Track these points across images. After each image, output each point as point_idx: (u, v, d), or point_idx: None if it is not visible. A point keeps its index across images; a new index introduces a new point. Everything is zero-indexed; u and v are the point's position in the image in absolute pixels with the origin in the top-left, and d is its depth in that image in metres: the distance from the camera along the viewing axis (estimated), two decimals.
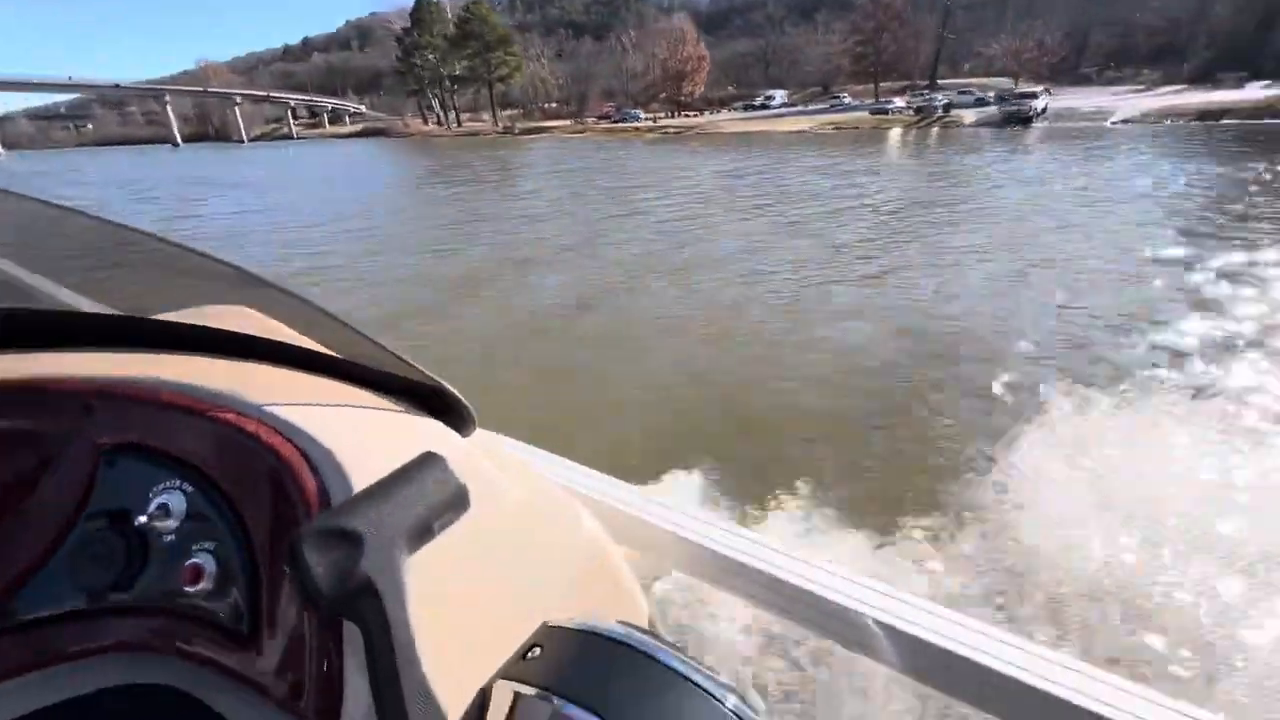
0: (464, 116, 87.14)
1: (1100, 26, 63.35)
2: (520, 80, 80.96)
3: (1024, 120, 35.60)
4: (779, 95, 72.61)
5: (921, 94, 56.13)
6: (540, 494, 0.66)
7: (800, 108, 68.59)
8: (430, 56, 76.48)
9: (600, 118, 76.04)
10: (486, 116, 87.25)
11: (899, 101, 48.51)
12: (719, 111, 74.27)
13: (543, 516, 0.63)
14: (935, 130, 38.66)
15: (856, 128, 43.20)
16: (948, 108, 42.74)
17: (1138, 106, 35.15)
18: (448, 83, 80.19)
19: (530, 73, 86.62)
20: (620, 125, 64.18)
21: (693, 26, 69.91)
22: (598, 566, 0.65)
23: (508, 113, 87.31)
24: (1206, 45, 53.76)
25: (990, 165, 21.42)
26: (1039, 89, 39.76)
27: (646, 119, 67.26)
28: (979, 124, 37.86)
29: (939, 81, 68.36)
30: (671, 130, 54.41)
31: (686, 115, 69.99)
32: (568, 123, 73.92)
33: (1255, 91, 36.45)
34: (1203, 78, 48.11)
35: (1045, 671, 0.65)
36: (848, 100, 65.08)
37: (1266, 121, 28.71)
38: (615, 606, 0.64)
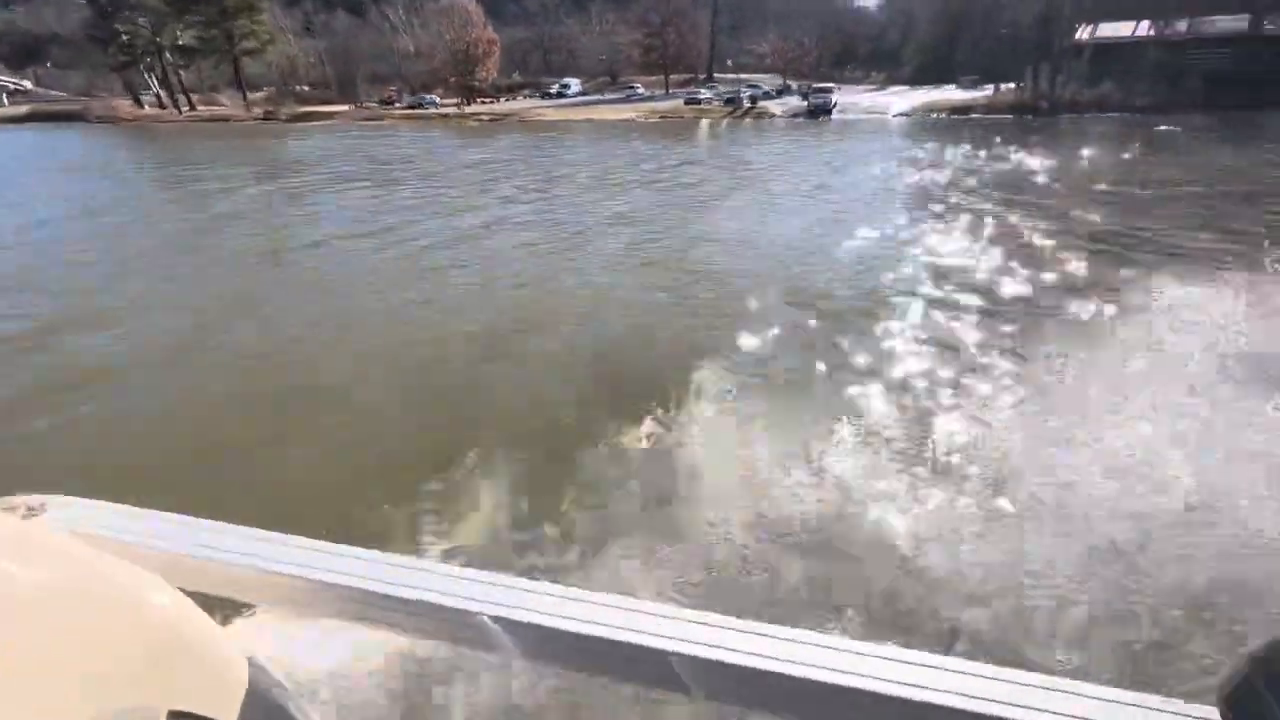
0: (194, 98, 71.46)
1: (830, 34, 75.12)
2: (272, 55, 69.04)
3: (827, 112, 40.89)
4: (574, 84, 72.76)
5: (710, 85, 60.98)
6: (83, 575, 0.54)
7: (598, 96, 69.69)
8: (142, 22, 61.16)
9: (383, 102, 68.42)
10: (226, 99, 72.71)
11: (705, 93, 52.02)
12: (515, 98, 72.04)
13: (77, 604, 0.51)
14: (749, 121, 42.46)
15: (681, 117, 45.43)
16: (754, 100, 47.10)
17: (907, 102, 42.66)
18: (169, 56, 65.08)
19: (279, 49, 74.28)
20: (419, 112, 58.56)
21: (479, 8, 66.21)
22: (167, 644, 0.55)
23: (259, 94, 73.91)
24: (914, 53, 67.22)
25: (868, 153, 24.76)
26: (831, 85, 45.84)
27: (450, 105, 62.50)
28: (789, 115, 42.48)
29: (714, 76, 74.96)
30: (486, 118, 51.36)
31: (483, 101, 66.57)
32: (348, 108, 65.35)
33: (957, 92, 46.90)
34: (924, 78, 60.12)
35: (651, 626, 0.67)
36: (641, 90, 67.92)
37: (999, 116, 37.15)
38: (185, 690, 0.54)
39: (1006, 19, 49.41)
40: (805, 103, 43.50)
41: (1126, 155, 21.27)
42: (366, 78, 77.96)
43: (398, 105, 65.67)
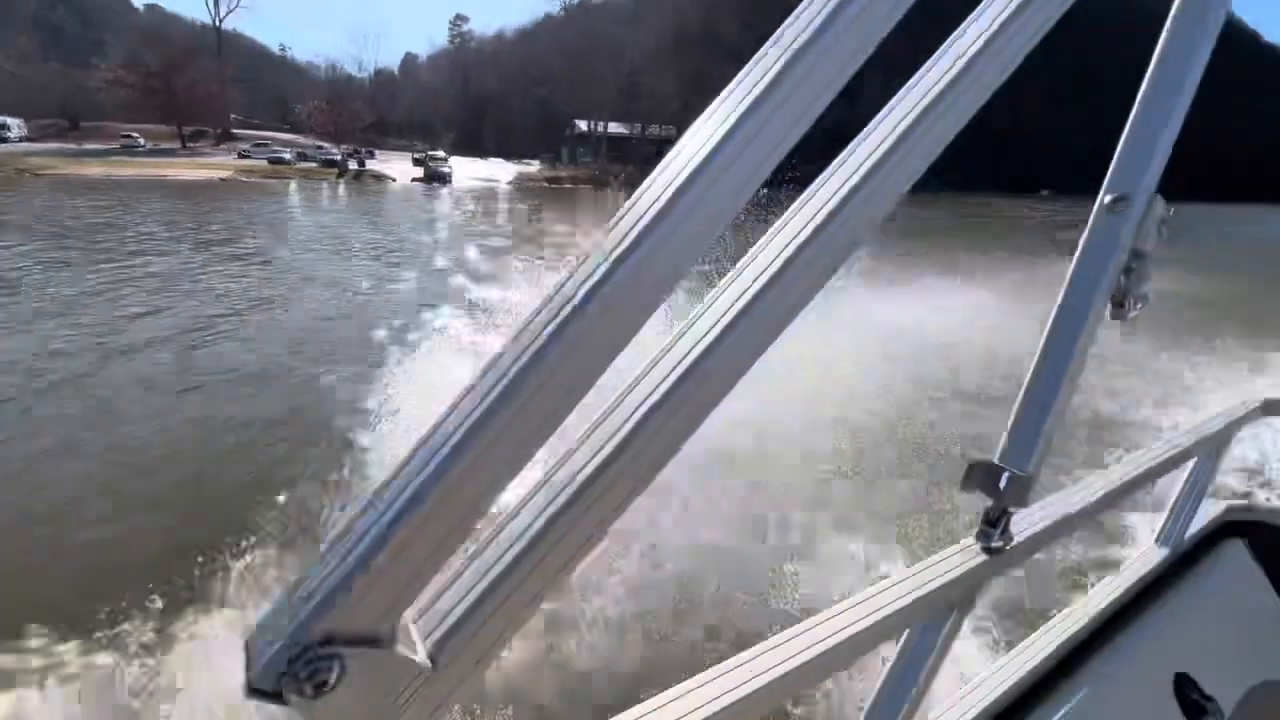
0: None
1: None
2: None
3: (445, 179, 44.23)
4: (15, 125, 52.71)
5: (262, 144, 54.87)
6: None
7: (72, 145, 52.20)
8: None
9: None
10: None
11: (286, 153, 47.21)
12: None
13: None
14: (372, 184, 41.92)
15: (280, 177, 40.45)
16: (361, 162, 46.30)
17: (506, 173, 50.25)
18: None
19: None
20: None
21: None
22: None
23: None
24: (447, 127, 75.93)
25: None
26: (443, 154, 48.83)
27: None
28: (414, 180, 44.02)
29: (235, 131, 66.27)
30: None
31: None
32: None
33: (515, 166, 58.24)
34: (462, 150, 69.16)
35: None
36: (145, 143, 55.03)
37: (583, 185, 49.04)
38: None
39: (524, 110, 63.39)
40: (418, 169, 46.01)
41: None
42: None
43: None
